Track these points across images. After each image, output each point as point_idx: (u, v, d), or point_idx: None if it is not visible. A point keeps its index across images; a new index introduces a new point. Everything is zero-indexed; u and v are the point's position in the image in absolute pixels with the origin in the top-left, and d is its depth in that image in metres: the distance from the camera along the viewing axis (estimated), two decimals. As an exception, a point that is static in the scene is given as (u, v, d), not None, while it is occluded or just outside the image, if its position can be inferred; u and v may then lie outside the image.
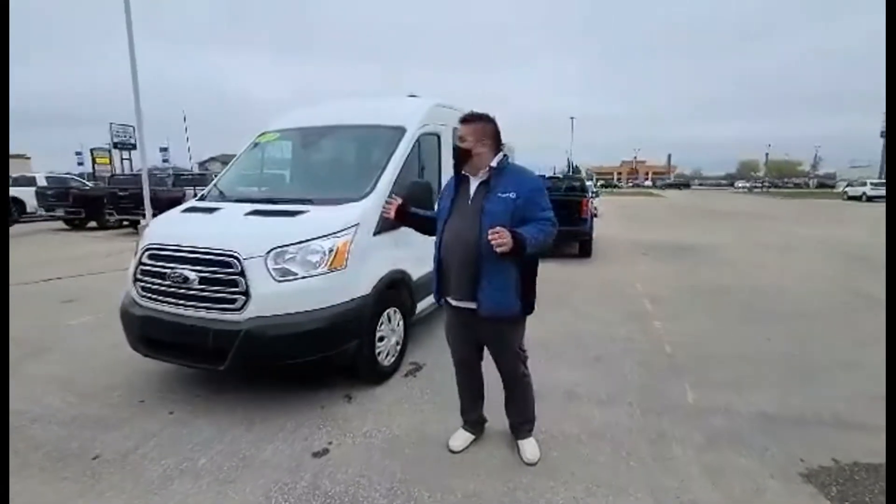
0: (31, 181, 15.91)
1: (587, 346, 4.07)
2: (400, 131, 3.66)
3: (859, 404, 2.99)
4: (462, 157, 2.20)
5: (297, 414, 2.86)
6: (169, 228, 3.26)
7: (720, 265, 7.86)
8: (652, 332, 4.45)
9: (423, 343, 3.93)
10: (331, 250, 2.83)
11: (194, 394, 3.13)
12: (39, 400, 3.07)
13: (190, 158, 25.40)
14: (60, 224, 13.97)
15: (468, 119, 2.22)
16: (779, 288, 6.24)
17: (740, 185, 72.23)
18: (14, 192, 15.08)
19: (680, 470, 2.34)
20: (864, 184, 31.80)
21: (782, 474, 2.30)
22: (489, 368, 2.49)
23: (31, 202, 14.98)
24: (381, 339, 3.22)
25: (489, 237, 1.96)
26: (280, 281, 2.74)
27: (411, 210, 2.58)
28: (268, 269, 2.72)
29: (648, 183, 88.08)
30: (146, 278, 2.98)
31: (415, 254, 3.42)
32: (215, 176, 4.80)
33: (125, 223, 12.89)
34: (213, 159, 40.33)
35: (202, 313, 2.78)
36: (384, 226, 3.14)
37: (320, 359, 2.85)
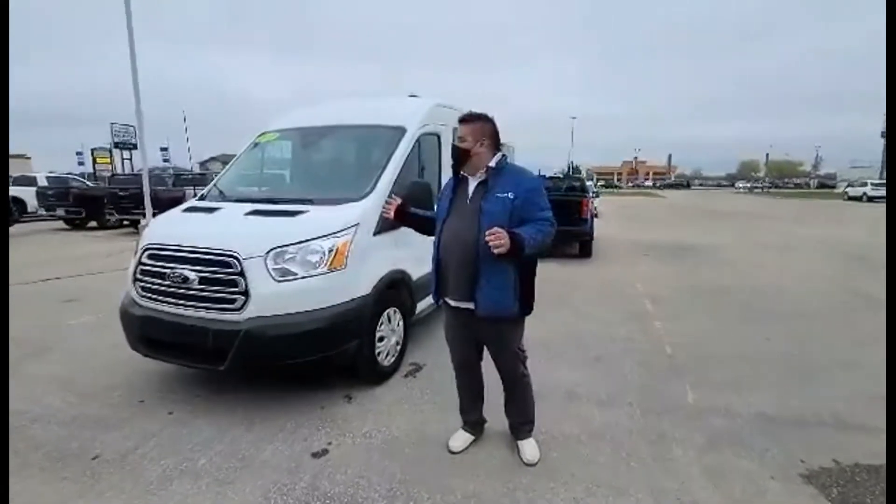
0: (31, 181, 15.93)
1: (587, 346, 4.06)
2: (400, 131, 3.66)
3: (859, 404, 2.98)
4: (461, 156, 2.20)
5: (297, 414, 2.86)
6: (169, 228, 3.26)
7: (720, 265, 7.86)
8: (652, 332, 4.45)
9: (423, 343, 3.93)
10: (330, 250, 2.83)
11: (194, 394, 3.13)
12: (39, 400, 3.07)
13: (190, 158, 25.41)
14: (61, 224, 13.98)
15: (467, 119, 2.21)
16: (778, 288, 6.23)
17: (741, 185, 72.20)
18: (15, 191, 15.09)
19: (680, 471, 2.34)
20: (865, 184, 31.78)
21: (783, 475, 2.30)
22: (489, 369, 2.48)
23: (31, 202, 15.00)
24: (381, 339, 3.22)
25: (486, 238, 1.96)
26: (280, 281, 2.73)
27: (411, 210, 2.58)
28: (267, 269, 2.72)
29: (649, 183, 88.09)
30: (146, 278, 2.98)
31: (415, 254, 3.42)
32: (215, 176, 4.80)
33: (125, 223, 12.90)
34: (213, 159, 40.35)
35: (202, 313, 2.78)
36: (384, 226, 3.14)
37: (320, 359, 2.85)
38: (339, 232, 2.90)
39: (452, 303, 2.32)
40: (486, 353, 2.46)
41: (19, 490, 2.19)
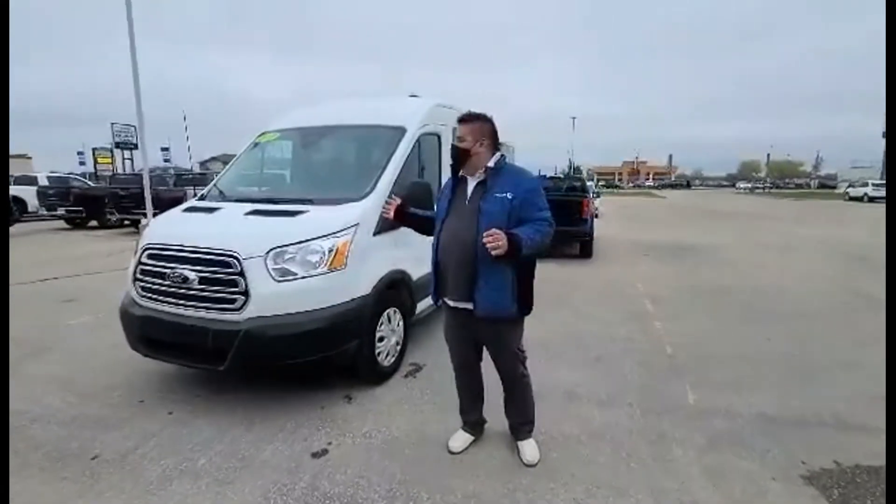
0: (32, 181, 15.96)
1: (587, 346, 4.06)
2: (400, 131, 3.66)
3: (860, 405, 2.98)
4: (460, 156, 2.19)
5: (297, 414, 2.86)
6: (169, 228, 3.26)
7: (721, 265, 7.85)
8: (652, 332, 4.44)
9: (422, 343, 3.92)
10: (330, 250, 2.82)
11: (194, 394, 3.13)
12: (39, 400, 3.07)
13: (190, 158, 25.45)
14: (62, 223, 14.00)
15: (466, 119, 2.21)
16: (779, 288, 6.23)
17: (742, 185, 72.16)
18: (16, 191, 15.11)
19: (680, 471, 2.33)
20: (866, 184, 31.75)
21: (784, 476, 2.29)
22: (489, 369, 2.48)
23: (32, 201, 15.02)
24: (381, 339, 3.21)
25: (484, 240, 1.96)
26: (280, 281, 2.73)
27: (410, 210, 2.58)
28: (267, 269, 2.72)
29: (650, 183, 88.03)
30: (146, 278, 2.97)
31: (415, 254, 3.42)
32: (216, 176, 4.80)
33: (126, 222, 12.90)
34: (213, 159, 40.38)
35: (202, 313, 2.78)
36: (384, 226, 3.14)
37: (320, 359, 2.84)
38: (338, 232, 2.89)
39: (451, 303, 2.32)
40: (486, 353, 2.46)
41: (19, 490, 2.19)
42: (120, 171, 21.61)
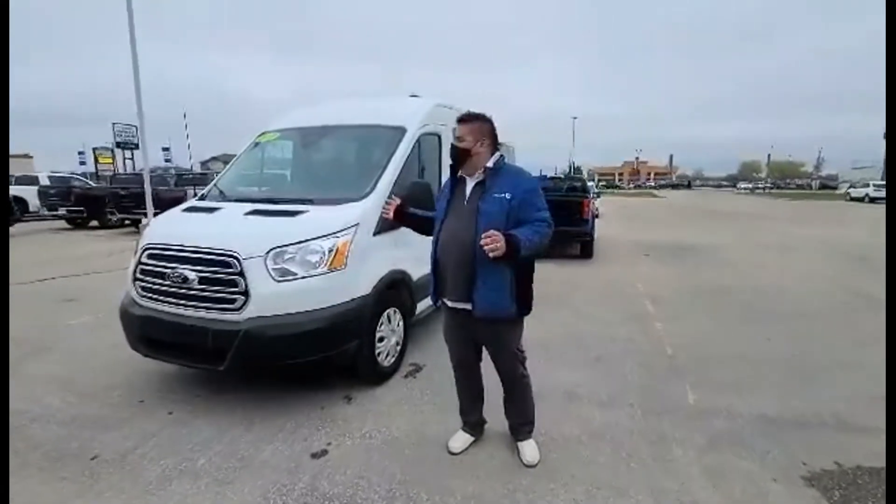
0: (33, 180, 15.98)
1: (588, 346, 4.05)
2: (400, 131, 3.65)
3: (860, 405, 2.97)
4: (461, 156, 2.19)
5: (297, 414, 2.85)
6: (169, 228, 3.26)
7: (721, 266, 7.84)
8: (653, 332, 4.44)
9: (423, 344, 3.92)
10: (330, 250, 2.82)
11: (194, 394, 3.12)
12: (39, 400, 3.07)
13: (190, 158, 25.48)
14: (63, 223, 14.01)
15: (466, 119, 2.21)
16: (779, 288, 6.22)
17: (742, 185, 72.13)
18: (17, 191, 15.13)
19: (681, 472, 2.33)
20: (867, 185, 31.73)
21: (784, 477, 2.29)
22: (488, 370, 2.47)
23: (33, 201, 15.04)
24: (381, 339, 3.21)
25: (481, 242, 1.95)
26: (279, 281, 2.73)
27: (410, 210, 2.58)
28: (267, 269, 2.72)
29: (651, 183, 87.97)
30: (146, 278, 2.97)
31: (415, 254, 3.41)
32: (216, 176, 4.81)
33: (127, 222, 12.91)
34: (214, 159, 40.43)
35: (202, 313, 2.78)
36: (384, 226, 3.14)
37: (320, 359, 2.84)
38: (338, 232, 2.89)
39: (450, 303, 2.32)
40: (485, 353, 2.45)
41: (19, 490, 2.19)
42: (121, 170, 21.63)
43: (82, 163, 29.81)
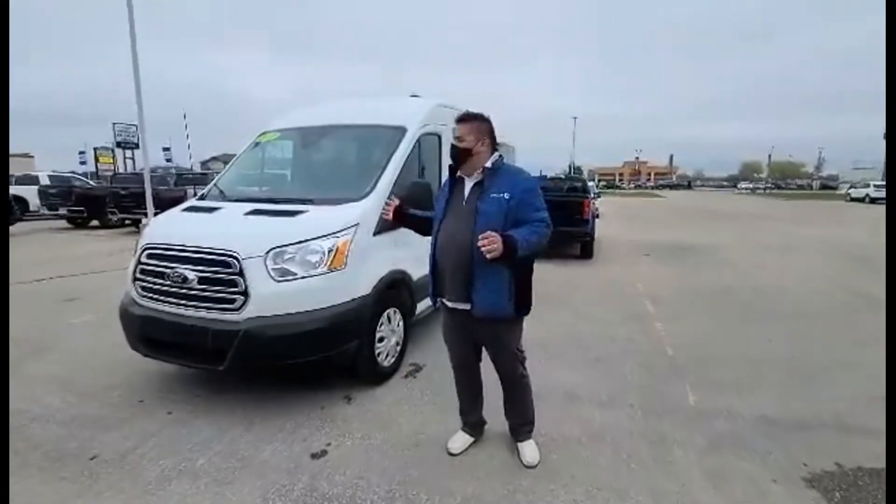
0: (34, 180, 16.00)
1: (588, 346, 4.05)
2: (401, 131, 3.65)
3: (861, 406, 2.97)
4: (462, 156, 2.18)
5: (297, 414, 2.85)
6: (168, 228, 3.26)
7: (721, 266, 7.84)
8: (653, 333, 4.43)
9: (422, 344, 3.91)
10: (330, 250, 2.82)
11: (194, 394, 3.12)
12: (39, 399, 3.06)
13: (190, 158, 25.49)
14: (63, 223, 14.01)
15: (466, 118, 2.20)
16: (779, 288, 6.22)
17: (743, 186, 72.09)
18: (18, 190, 15.15)
19: (681, 473, 2.32)
20: (868, 185, 31.71)
21: (785, 478, 2.28)
22: (488, 370, 2.47)
23: (34, 201, 15.05)
24: (381, 339, 3.21)
25: (478, 244, 1.95)
26: (279, 281, 2.73)
27: (409, 211, 2.57)
28: (267, 269, 2.71)
29: (651, 184, 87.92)
30: (145, 278, 2.97)
31: (415, 254, 3.41)
32: (217, 175, 4.80)
33: (127, 222, 12.91)
34: (214, 159, 40.44)
35: (202, 313, 2.77)
36: (384, 226, 3.13)
37: (320, 359, 2.84)
38: (338, 232, 2.89)
39: (449, 304, 2.31)
40: (485, 354, 2.45)
41: (18, 490, 2.19)
42: (121, 170, 21.64)
43: (83, 162, 29.84)
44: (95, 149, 24.68)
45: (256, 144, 4.24)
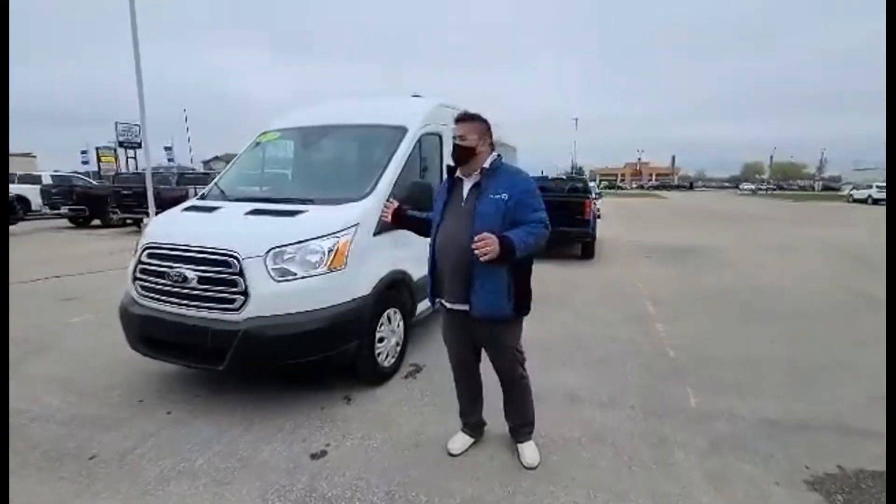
0: (36, 179, 16.04)
1: (588, 347, 4.04)
2: (401, 131, 3.64)
3: (861, 407, 2.96)
4: (464, 155, 2.18)
5: (296, 415, 2.85)
6: (169, 227, 3.25)
7: (722, 267, 7.82)
8: (653, 333, 4.42)
9: (422, 344, 3.91)
10: (330, 250, 2.81)
11: (194, 394, 3.12)
12: (39, 399, 3.06)
13: (191, 157, 25.54)
14: (65, 222, 14.04)
15: (466, 118, 2.20)
16: (779, 288, 6.21)
17: (745, 187, 71.97)
18: (20, 189, 15.20)
19: (682, 475, 2.31)
20: (870, 186, 31.61)
21: (787, 481, 2.27)
22: (488, 371, 2.46)
23: (36, 200, 15.09)
24: (381, 339, 3.20)
25: (474, 246, 1.93)
26: (279, 281, 2.72)
27: (408, 213, 2.56)
28: (267, 269, 2.71)
29: (653, 184, 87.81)
30: (146, 277, 2.97)
31: (415, 254, 3.40)
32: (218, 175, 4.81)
33: (129, 221, 12.94)
34: (216, 158, 40.49)
35: (202, 313, 2.77)
36: (384, 226, 3.12)
37: (320, 359, 2.83)
38: (339, 232, 2.88)
39: (448, 304, 2.31)
40: (485, 354, 2.44)
41: (18, 490, 2.18)
42: (124, 170, 21.68)
43: (85, 162, 29.90)
44: (97, 148, 24.75)
45: (257, 144, 4.24)
